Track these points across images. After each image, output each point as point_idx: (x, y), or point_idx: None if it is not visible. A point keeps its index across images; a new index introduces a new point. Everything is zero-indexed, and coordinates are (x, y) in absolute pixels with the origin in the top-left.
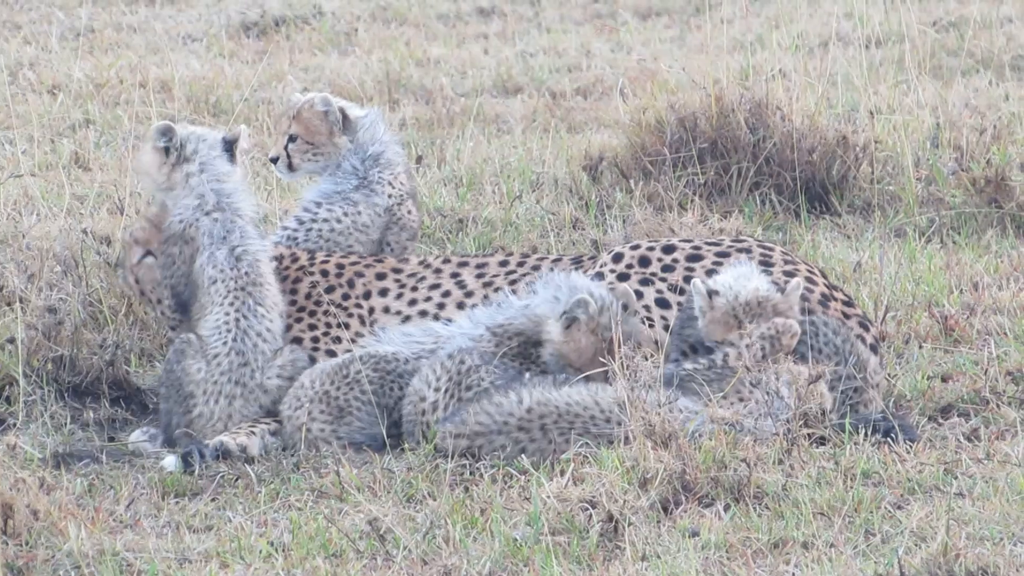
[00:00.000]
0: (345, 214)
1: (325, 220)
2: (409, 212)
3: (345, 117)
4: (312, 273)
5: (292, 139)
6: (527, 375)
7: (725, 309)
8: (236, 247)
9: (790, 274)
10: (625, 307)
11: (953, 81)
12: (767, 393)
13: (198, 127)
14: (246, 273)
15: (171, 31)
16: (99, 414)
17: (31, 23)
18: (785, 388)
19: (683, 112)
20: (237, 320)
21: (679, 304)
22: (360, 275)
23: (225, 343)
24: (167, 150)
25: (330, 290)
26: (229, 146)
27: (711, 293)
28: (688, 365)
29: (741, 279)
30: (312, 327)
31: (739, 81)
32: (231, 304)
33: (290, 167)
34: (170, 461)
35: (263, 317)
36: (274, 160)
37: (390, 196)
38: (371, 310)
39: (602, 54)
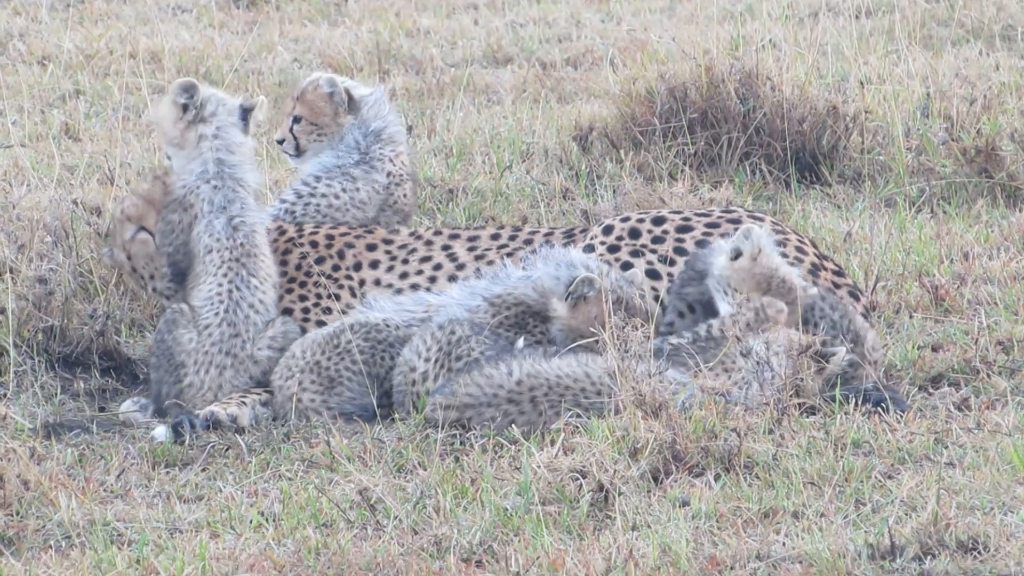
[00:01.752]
0: (343, 190)
1: (323, 195)
2: (405, 195)
3: (350, 97)
4: (301, 244)
5: (296, 120)
6: (520, 341)
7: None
8: (234, 217)
9: (780, 244)
10: (631, 283)
11: (943, 51)
12: (756, 363)
13: (220, 91)
14: (242, 244)
15: (161, 2)
16: (89, 384)
17: None
18: (775, 358)
19: (673, 82)
20: (230, 291)
21: (669, 275)
22: (350, 246)
23: (217, 314)
24: (186, 107)
25: (320, 261)
26: (245, 114)
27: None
28: (673, 340)
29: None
30: (302, 298)
31: (729, 51)
32: (224, 275)
33: (297, 148)
34: (160, 431)
35: (256, 288)
36: (280, 142)
37: (389, 174)
38: (362, 282)
39: (592, 24)
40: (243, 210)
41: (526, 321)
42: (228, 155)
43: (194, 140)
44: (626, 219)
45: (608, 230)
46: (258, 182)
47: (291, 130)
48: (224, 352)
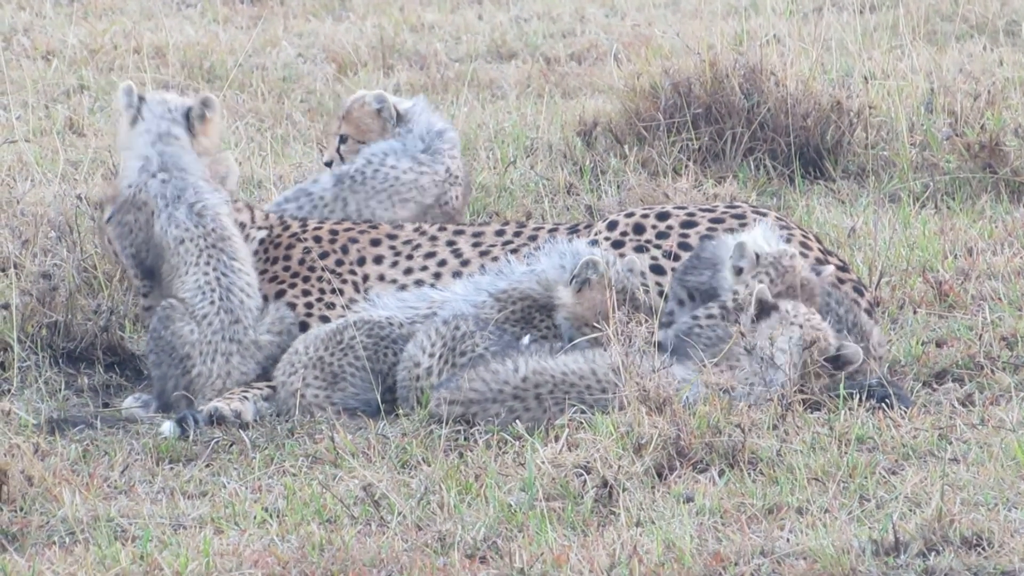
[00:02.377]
0: (411, 168)
1: (393, 167)
2: (456, 198)
3: (397, 112)
4: (304, 239)
5: (343, 140)
6: (527, 338)
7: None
8: (194, 203)
9: (785, 239)
10: (631, 271)
11: (947, 46)
12: (761, 359)
13: (166, 94)
14: (212, 229)
15: None
16: (93, 380)
17: None
18: (780, 354)
19: (677, 77)
20: (218, 278)
21: (673, 271)
22: (354, 241)
23: (212, 302)
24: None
25: (323, 256)
26: (188, 112)
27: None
28: (688, 318)
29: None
30: (306, 293)
31: (733, 46)
32: (207, 263)
33: None
34: (167, 427)
35: (240, 272)
36: (328, 164)
37: (448, 170)
38: (365, 277)
39: (596, 19)
40: (199, 195)
41: (532, 316)
42: (164, 147)
43: (133, 142)
44: (630, 214)
45: (612, 225)
46: (202, 169)
47: (338, 150)
48: (228, 339)
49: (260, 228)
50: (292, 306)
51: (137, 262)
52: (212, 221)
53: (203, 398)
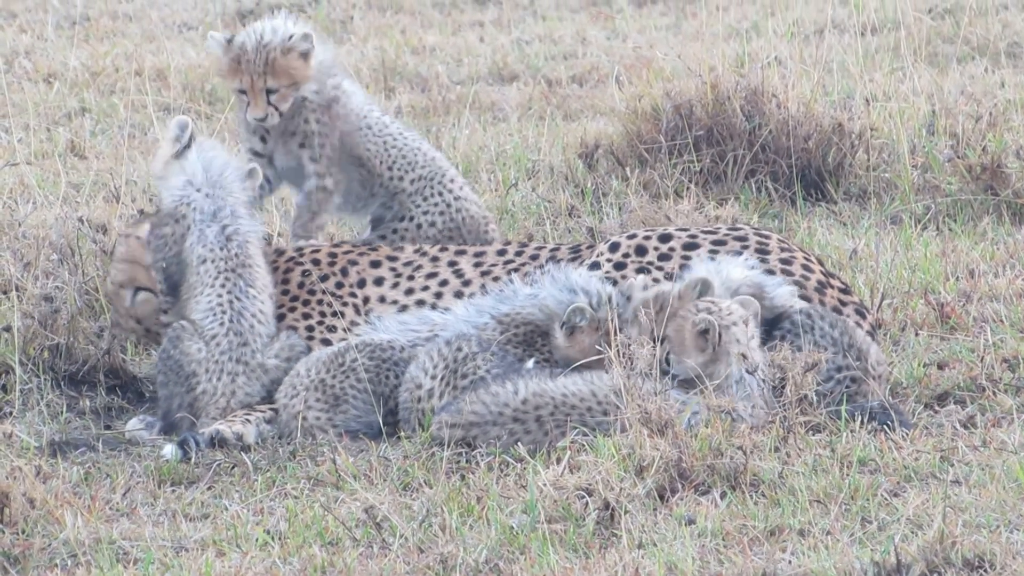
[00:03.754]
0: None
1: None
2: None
3: None
4: (303, 263)
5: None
6: (531, 362)
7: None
8: (227, 226)
9: (786, 261)
10: (628, 298)
11: (949, 68)
12: (761, 381)
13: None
14: (236, 254)
15: (167, 19)
16: (95, 402)
17: (27, 11)
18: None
19: (679, 100)
20: (231, 302)
21: None
22: (353, 263)
23: (222, 324)
24: (177, 141)
25: (323, 279)
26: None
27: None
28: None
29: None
30: (306, 316)
31: (735, 68)
32: (222, 285)
33: None
34: (169, 450)
35: (255, 298)
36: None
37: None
38: (366, 299)
39: (598, 42)
40: (234, 219)
41: (535, 340)
42: (212, 165)
43: (179, 165)
44: (632, 236)
45: (614, 247)
46: (247, 194)
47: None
48: (235, 360)
49: None
50: (292, 329)
51: (165, 276)
52: (239, 247)
53: (207, 416)
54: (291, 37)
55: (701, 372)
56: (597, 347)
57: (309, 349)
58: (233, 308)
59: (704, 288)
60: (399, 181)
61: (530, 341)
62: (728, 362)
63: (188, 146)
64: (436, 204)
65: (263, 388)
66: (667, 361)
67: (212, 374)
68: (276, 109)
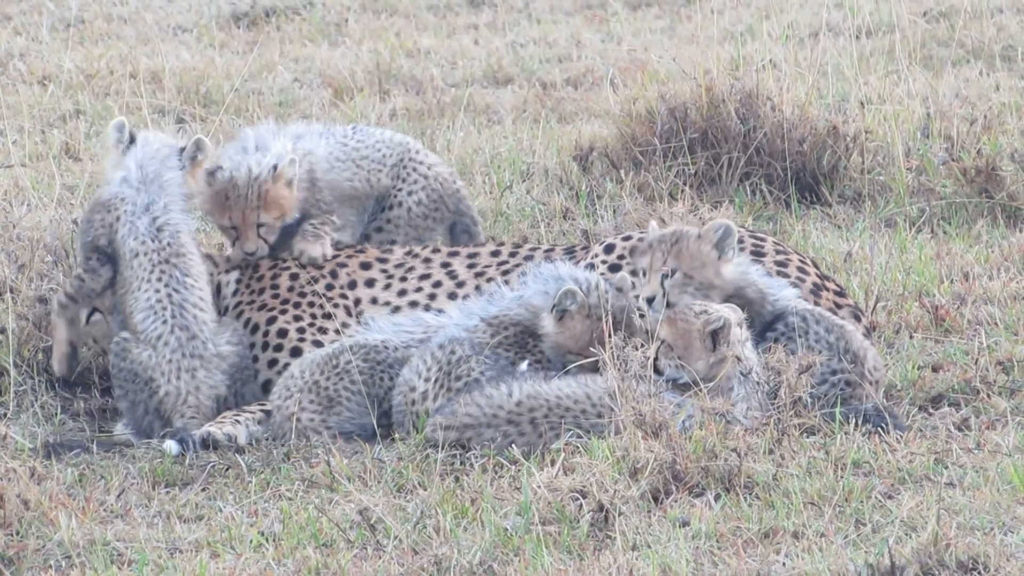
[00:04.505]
0: None
1: None
2: None
3: None
4: (289, 267)
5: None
6: (524, 364)
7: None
8: (157, 218)
9: (782, 264)
10: (619, 289)
11: (943, 71)
12: (756, 384)
13: (159, 133)
14: (168, 243)
15: (161, 22)
16: (90, 404)
17: (21, 14)
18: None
19: (673, 102)
20: (169, 295)
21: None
22: (343, 265)
23: (164, 321)
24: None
25: (312, 281)
26: (180, 152)
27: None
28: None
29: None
30: (297, 319)
31: (729, 71)
32: (159, 279)
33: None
34: (169, 445)
35: (193, 288)
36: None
37: None
38: (357, 301)
39: (592, 44)
40: (166, 211)
41: (525, 341)
42: (150, 161)
43: (120, 162)
44: (627, 238)
45: (609, 249)
46: (179, 197)
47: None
48: (189, 355)
49: (229, 271)
50: (284, 332)
51: (95, 247)
52: (170, 237)
53: (180, 417)
54: (275, 167)
55: (708, 375)
56: (591, 348)
57: (296, 350)
58: (173, 302)
59: (726, 234)
60: (379, 181)
61: (521, 343)
62: (728, 364)
63: (131, 144)
64: (416, 181)
65: (225, 375)
66: (657, 368)
67: (170, 375)
68: (266, 241)
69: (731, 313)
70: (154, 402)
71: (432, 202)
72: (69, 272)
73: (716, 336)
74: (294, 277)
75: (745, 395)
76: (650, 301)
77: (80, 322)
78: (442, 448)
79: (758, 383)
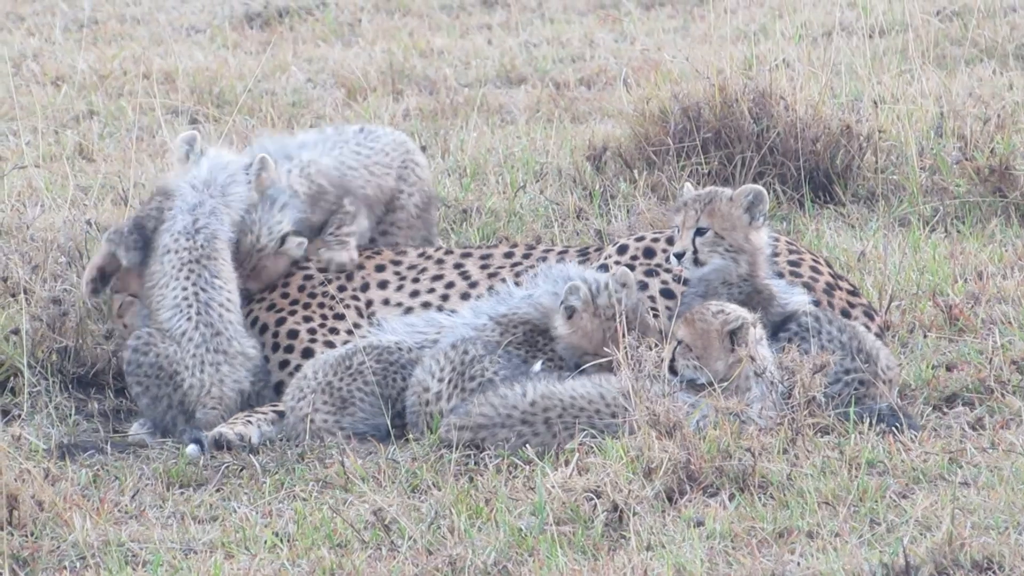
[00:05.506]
0: None
1: None
2: None
3: None
4: (307, 267)
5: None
6: (538, 364)
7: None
8: (198, 220)
9: (795, 263)
10: (623, 284)
11: (957, 70)
12: (770, 383)
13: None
14: (202, 246)
15: (175, 22)
16: (104, 405)
17: (35, 15)
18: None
19: (687, 102)
20: (196, 294)
21: (682, 296)
22: (360, 267)
23: (189, 319)
24: (188, 156)
25: (325, 282)
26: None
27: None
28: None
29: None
30: (307, 319)
31: (743, 71)
32: (187, 278)
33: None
34: (192, 448)
35: (221, 288)
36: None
37: None
38: (369, 302)
39: (606, 44)
40: (210, 216)
41: (535, 340)
42: (220, 171)
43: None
44: (640, 238)
45: (622, 249)
46: (240, 206)
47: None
48: (213, 350)
49: None
50: (295, 333)
51: (136, 225)
52: (204, 240)
53: (203, 408)
54: (283, 240)
55: (727, 376)
56: (605, 348)
57: (307, 351)
58: (199, 300)
59: (756, 199)
60: (388, 185)
61: (531, 341)
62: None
63: (201, 156)
64: (414, 183)
65: (249, 374)
66: (673, 369)
67: (194, 368)
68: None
69: (748, 313)
70: (178, 396)
71: (424, 203)
72: (83, 273)
73: (735, 336)
74: (307, 278)
75: (761, 395)
76: (679, 257)
77: (115, 307)
78: (456, 448)
79: (772, 383)
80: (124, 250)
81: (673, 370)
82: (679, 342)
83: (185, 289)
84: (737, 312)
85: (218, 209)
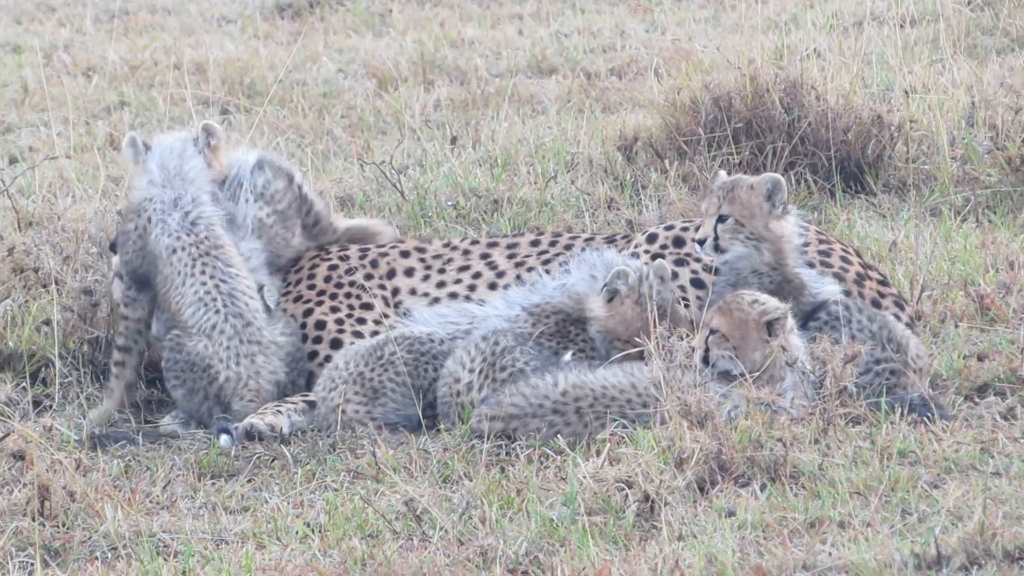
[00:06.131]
0: None
1: None
2: None
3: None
4: (329, 258)
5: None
6: (569, 355)
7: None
8: (189, 212)
9: (825, 253)
10: (660, 278)
11: (988, 60)
12: (802, 373)
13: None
14: (205, 237)
15: (205, 12)
16: (135, 396)
17: (66, 5)
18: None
19: (718, 92)
20: (217, 286)
21: (714, 285)
22: (384, 255)
23: (218, 312)
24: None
25: (350, 272)
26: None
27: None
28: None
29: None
30: (335, 310)
31: (774, 61)
32: (203, 272)
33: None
34: (224, 439)
35: (238, 277)
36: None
37: None
38: (395, 291)
39: (636, 34)
40: (196, 204)
41: (567, 329)
42: (168, 158)
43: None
44: (670, 228)
45: (652, 238)
46: (208, 185)
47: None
48: (247, 341)
49: None
50: (322, 324)
51: (130, 269)
52: (205, 230)
53: (240, 400)
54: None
55: (762, 367)
56: (636, 339)
57: (335, 341)
58: (222, 292)
59: (774, 187)
60: None
61: (563, 332)
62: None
63: (147, 152)
64: None
65: (282, 363)
66: (707, 359)
67: (228, 361)
68: None
69: (781, 303)
70: (214, 389)
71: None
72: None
73: (772, 327)
74: (332, 268)
75: (793, 384)
76: (701, 243)
77: (114, 295)
78: (488, 439)
79: (804, 372)
80: (133, 306)
81: (706, 360)
82: (712, 331)
83: (205, 284)
84: (774, 303)
85: (199, 196)
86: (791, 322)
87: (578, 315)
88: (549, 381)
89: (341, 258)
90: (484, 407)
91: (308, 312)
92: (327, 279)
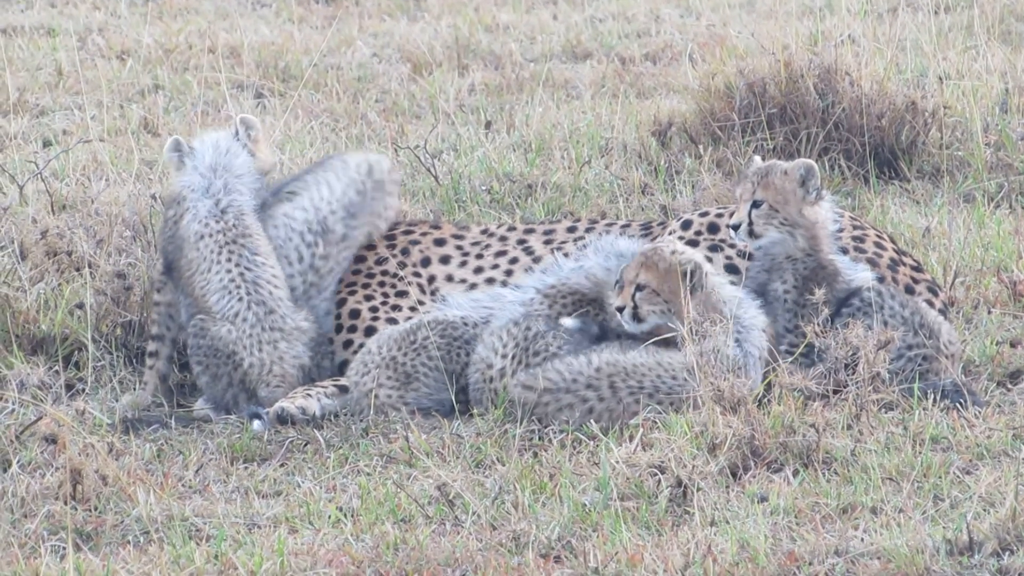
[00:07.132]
0: None
1: None
2: None
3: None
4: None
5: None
6: (569, 320)
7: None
8: (219, 200)
9: (859, 239)
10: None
11: (1022, 46)
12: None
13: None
14: (234, 225)
15: None
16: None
17: None
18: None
19: (752, 78)
20: (242, 274)
21: (748, 271)
22: (415, 243)
23: (240, 299)
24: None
25: (381, 261)
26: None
27: None
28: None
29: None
30: (368, 298)
31: (808, 46)
32: (228, 259)
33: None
34: (257, 424)
35: (264, 265)
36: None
37: None
38: (431, 278)
39: (671, 19)
40: (227, 192)
41: (585, 311)
42: (213, 153)
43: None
44: (704, 214)
45: (687, 225)
46: (250, 176)
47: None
48: (269, 328)
49: None
50: (356, 313)
51: (164, 253)
52: (234, 219)
53: (265, 385)
54: None
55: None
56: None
57: (370, 329)
58: (246, 280)
59: (807, 173)
60: None
61: (581, 312)
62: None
63: (192, 152)
64: None
65: (306, 349)
66: (637, 315)
67: (252, 348)
68: None
69: (699, 254)
70: (238, 375)
71: None
72: (147, 247)
73: (693, 276)
74: (360, 259)
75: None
76: (735, 228)
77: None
78: (521, 422)
79: (736, 326)
80: (162, 295)
81: (637, 317)
82: (640, 287)
83: (229, 272)
84: (691, 252)
85: (231, 183)
86: (722, 279)
87: (594, 295)
88: (583, 359)
89: (368, 246)
90: (521, 375)
91: (342, 301)
92: (356, 271)
